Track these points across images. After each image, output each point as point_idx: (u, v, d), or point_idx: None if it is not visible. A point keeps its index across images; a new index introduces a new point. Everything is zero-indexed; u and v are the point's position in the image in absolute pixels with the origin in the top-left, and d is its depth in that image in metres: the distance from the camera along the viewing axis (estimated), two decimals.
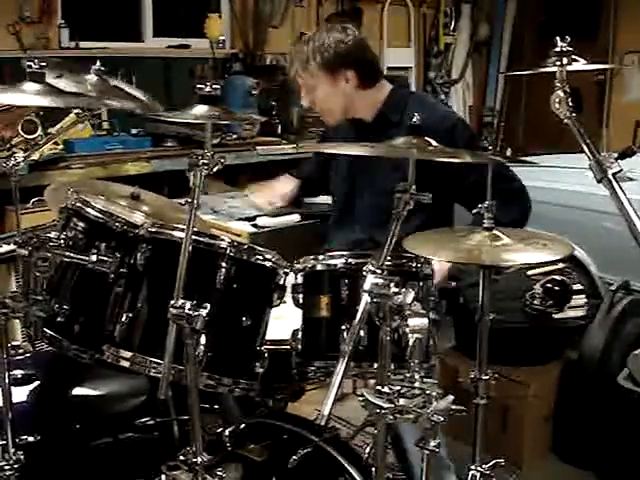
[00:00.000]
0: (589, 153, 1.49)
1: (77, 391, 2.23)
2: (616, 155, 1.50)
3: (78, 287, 1.90)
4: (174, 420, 2.07)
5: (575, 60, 1.54)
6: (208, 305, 1.54)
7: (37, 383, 2.17)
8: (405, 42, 6.59)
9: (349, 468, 1.82)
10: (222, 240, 1.79)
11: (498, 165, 2.34)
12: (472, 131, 2.91)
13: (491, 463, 1.97)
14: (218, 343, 1.73)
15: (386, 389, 1.49)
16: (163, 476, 1.69)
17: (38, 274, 1.78)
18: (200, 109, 1.68)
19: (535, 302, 3.08)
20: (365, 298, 1.53)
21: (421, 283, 1.86)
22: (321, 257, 1.92)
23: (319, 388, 2.09)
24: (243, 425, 2.02)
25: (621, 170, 1.48)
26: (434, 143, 1.77)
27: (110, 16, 5.02)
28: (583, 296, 3.20)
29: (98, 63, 2.09)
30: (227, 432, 1.94)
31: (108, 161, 4.25)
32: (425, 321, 1.50)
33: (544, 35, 6.55)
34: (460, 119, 2.69)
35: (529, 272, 3.15)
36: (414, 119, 1.77)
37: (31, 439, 1.89)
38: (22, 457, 1.79)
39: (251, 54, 5.45)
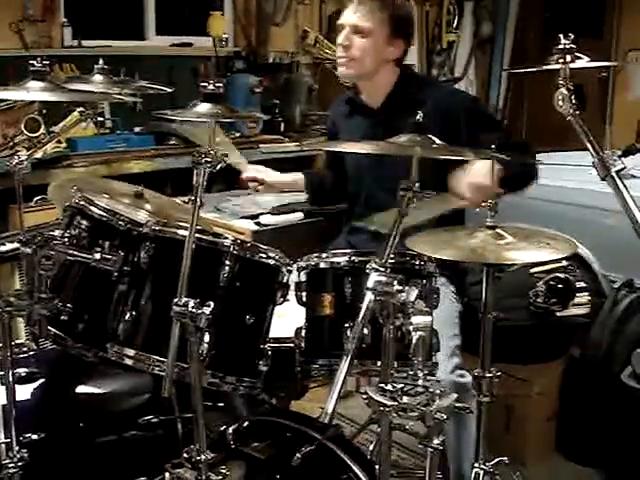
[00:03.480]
0: (592, 150, 1.49)
1: (81, 389, 2.23)
2: (620, 152, 1.50)
3: (82, 285, 1.90)
4: (178, 418, 2.07)
5: (578, 57, 1.55)
6: (212, 303, 1.55)
7: (41, 381, 2.18)
8: None
9: (353, 466, 1.81)
10: (225, 238, 1.79)
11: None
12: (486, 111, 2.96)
13: (495, 461, 1.97)
14: (222, 341, 1.73)
15: (389, 387, 1.49)
16: (167, 474, 1.69)
17: (42, 272, 1.79)
18: (203, 107, 1.68)
19: (538, 300, 3.08)
20: (368, 296, 1.53)
21: (424, 281, 1.86)
22: (324, 255, 1.92)
23: (322, 386, 2.10)
24: (247, 423, 2.02)
25: (624, 167, 1.48)
26: (437, 141, 1.76)
27: (113, 14, 5.02)
28: (587, 294, 3.19)
29: (101, 61, 2.10)
30: (230, 430, 1.94)
31: (111, 159, 4.25)
32: (428, 319, 1.50)
33: (547, 32, 6.54)
34: (475, 100, 2.75)
35: (532, 270, 3.14)
36: (417, 117, 1.76)
37: (35, 437, 1.89)
38: (26, 455, 1.79)
39: (254, 52, 5.44)
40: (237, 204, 3.78)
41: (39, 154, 3.54)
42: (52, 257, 1.80)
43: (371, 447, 2.03)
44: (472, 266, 2.60)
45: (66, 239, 1.87)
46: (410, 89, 2.57)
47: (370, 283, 1.52)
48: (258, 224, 3.46)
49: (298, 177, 2.96)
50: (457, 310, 2.50)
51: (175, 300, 1.54)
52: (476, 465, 1.96)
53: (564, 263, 3.14)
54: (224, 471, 1.64)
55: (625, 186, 1.48)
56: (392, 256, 1.61)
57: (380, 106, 2.62)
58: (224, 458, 1.73)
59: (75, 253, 1.85)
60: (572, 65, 1.53)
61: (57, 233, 1.88)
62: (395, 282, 1.50)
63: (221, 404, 2.23)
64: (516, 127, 7.07)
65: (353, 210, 2.76)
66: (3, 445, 1.78)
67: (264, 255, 1.84)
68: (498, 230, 1.84)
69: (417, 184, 1.69)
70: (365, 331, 1.67)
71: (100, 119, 4.39)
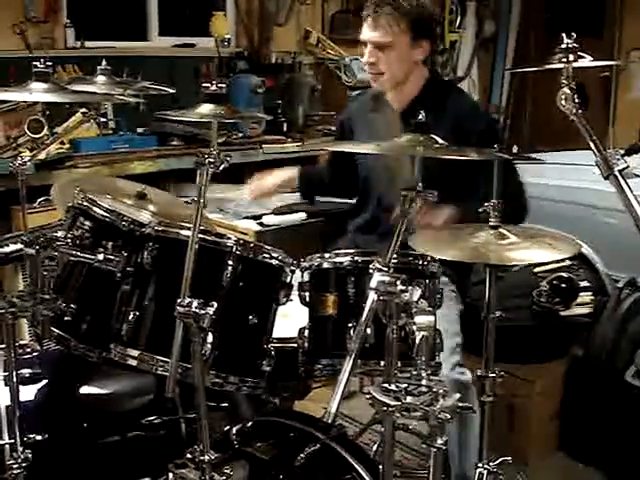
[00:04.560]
0: (595, 150, 1.49)
1: (84, 390, 2.23)
2: (622, 152, 1.50)
3: (85, 286, 1.90)
4: (181, 418, 2.07)
5: (581, 57, 1.54)
6: (215, 303, 1.55)
7: (45, 382, 2.18)
8: None
9: (356, 466, 1.82)
10: (228, 238, 1.79)
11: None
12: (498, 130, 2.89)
13: (498, 460, 1.97)
14: (225, 341, 1.73)
15: (393, 387, 1.49)
16: (170, 474, 1.69)
17: (45, 273, 1.79)
18: (206, 108, 1.68)
19: (542, 299, 3.08)
20: (372, 296, 1.53)
21: (427, 281, 1.86)
22: (327, 255, 1.92)
23: (326, 386, 2.09)
24: (250, 423, 2.02)
25: (627, 166, 1.48)
26: (440, 141, 1.76)
27: (116, 15, 5.02)
28: (590, 293, 3.19)
29: (104, 62, 2.10)
30: (234, 430, 1.94)
31: (114, 160, 4.25)
32: (432, 318, 1.50)
33: (550, 32, 6.53)
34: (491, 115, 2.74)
35: (536, 269, 3.15)
36: (420, 116, 1.76)
37: (39, 438, 1.89)
38: (30, 456, 1.79)
39: (256, 52, 5.44)
40: (240, 204, 3.78)
41: (42, 155, 3.56)
42: (55, 258, 1.80)
43: (374, 447, 2.03)
44: (476, 266, 2.60)
45: (69, 240, 1.88)
46: (434, 95, 2.57)
47: (373, 283, 1.52)
48: (261, 224, 3.46)
49: (293, 173, 2.98)
50: (458, 309, 2.52)
51: (178, 300, 1.54)
52: (480, 465, 1.96)
53: (567, 262, 3.14)
54: (227, 471, 1.64)
55: (628, 185, 1.47)
56: (395, 256, 1.61)
57: (404, 109, 2.62)
58: (227, 458, 1.73)
59: (78, 254, 1.86)
60: (575, 64, 1.53)
61: (60, 234, 1.88)
62: (398, 282, 1.50)
63: (225, 404, 2.23)
64: (519, 126, 7.06)
65: (362, 209, 2.76)
66: (7, 446, 1.78)
67: (267, 255, 1.84)
68: (501, 230, 1.84)
69: (420, 184, 1.69)
70: (368, 331, 1.67)
71: (103, 120, 4.39)
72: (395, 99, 2.65)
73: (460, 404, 1.49)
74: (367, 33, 2.54)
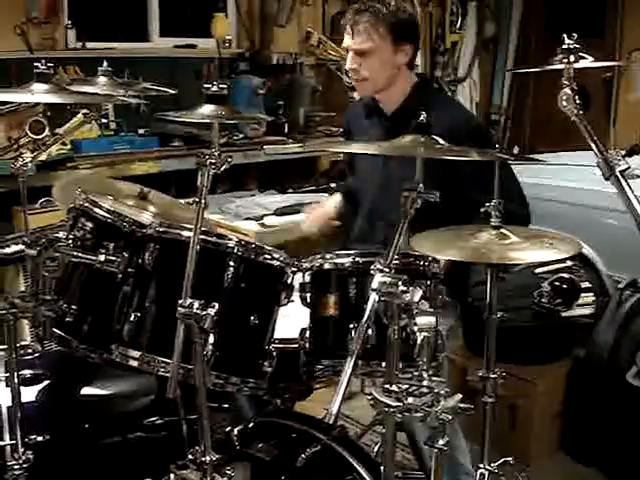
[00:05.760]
0: (597, 150, 1.49)
1: (86, 391, 2.23)
2: (624, 152, 1.50)
3: (86, 287, 1.90)
4: (183, 419, 2.07)
5: (582, 57, 1.54)
6: (216, 304, 1.55)
7: (46, 383, 2.18)
8: None
9: (357, 467, 1.82)
10: (230, 239, 1.79)
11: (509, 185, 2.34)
12: (489, 138, 2.86)
13: (500, 461, 1.97)
14: (226, 342, 1.73)
15: (394, 387, 1.49)
16: (172, 475, 1.69)
17: (46, 274, 1.79)
18: (207, 109, 1.68)
19: (543, 300, 3.08)
20: (373, 297, 1.53)
21: (429, 282, 1.86)
22: (328, 256, 1.92)
23: (327, 387, 2.09)
24: (252, 424, 2.02)
25: (629, 167, 1.48)
26: (441, 141, 1.76)
27: (117, 16, 5.02)
28: (591, 294, 3.19)
29: (105, 63, 2.10)
30: (235, 431, 1.94)
31: (115, 161, 4.25)
32: (433, 319, 1.50)
33: (551, 33, 6.53)
34: (479, 126, 2.70)
35: (537, 270, 3.14)
36: (421, 117, 1.76)
37: (40, 439, 1.90)
38: (31, 457, 1.79)
39: (257, 53, 5.44)
40: (241, 205, 3.79)
41: (43, 156, 3.56)
42: (57, 259, 1.80)
43: (376, 448, 2.03)
44: (477, 267, 2.59)
45: (70, 241, 1.87)
46: (421, 100, 2.55)
47: (374, 284, 1.52)
48: (262, 225, 3.46)
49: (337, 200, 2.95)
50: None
51: (180, 301, 1.54)
52: (481, 465, 1.96)
53: (568, 263, 3.14)
54: (229, 472, 1.64)
55: (629, 186, 1.48)
56: (396, 257, 1.61)
57: (392, 113, 2.62)
58: (229, 459, 1.73)
59: (79, 255, 1.85)
60: (576, 65, 1.53)
61: (61, 235, 1.88)
62: (399, 283, 1.50)
63: (226, 405, 2.23)
64: (520, 127, 7.06)
65: (356, 222, 2.75)
66: (8, 447, 1.78)
67: (268, 256, 1.84)
68: (502, 230, 1.83)
69: (421, 185, 1.69)
70: (370, 332, 1.67)
71: (104, 121, 4.39)
72: (383, 102, 2.65)
73: (461, 405, 1.50)
74: (347, 41, 2.54)
